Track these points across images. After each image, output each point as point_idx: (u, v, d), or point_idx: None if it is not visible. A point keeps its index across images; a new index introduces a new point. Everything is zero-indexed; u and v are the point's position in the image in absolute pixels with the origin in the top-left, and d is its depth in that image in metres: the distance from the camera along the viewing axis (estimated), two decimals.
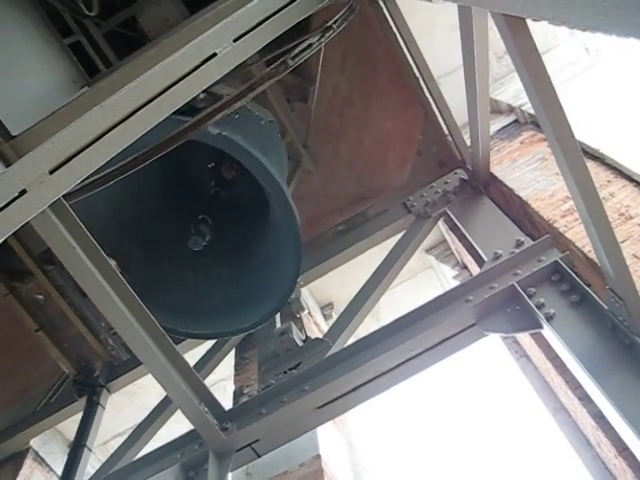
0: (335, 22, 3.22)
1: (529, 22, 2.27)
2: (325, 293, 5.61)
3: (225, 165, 4.06)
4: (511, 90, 4.73)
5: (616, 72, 4.54)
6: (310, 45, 3.03)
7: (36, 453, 5.06)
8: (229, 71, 2.26)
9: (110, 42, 4.62)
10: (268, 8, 2.28)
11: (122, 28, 4.76)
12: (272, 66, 2.87)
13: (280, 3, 2.30)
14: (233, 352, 4.64)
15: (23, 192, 1.82)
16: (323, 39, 3.13)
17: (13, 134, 2.69)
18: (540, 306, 2.87)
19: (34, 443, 5.06)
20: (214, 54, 2.16)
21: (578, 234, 3.13)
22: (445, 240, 5.33)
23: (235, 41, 2.20)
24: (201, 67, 2.14)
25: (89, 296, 2.97)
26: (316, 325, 5.04)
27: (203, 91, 2.95)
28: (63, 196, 2.74)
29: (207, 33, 2.16)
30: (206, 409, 3.28)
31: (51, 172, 1.86)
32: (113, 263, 3.02)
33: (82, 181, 2.27)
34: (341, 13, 3.31)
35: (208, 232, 3.57)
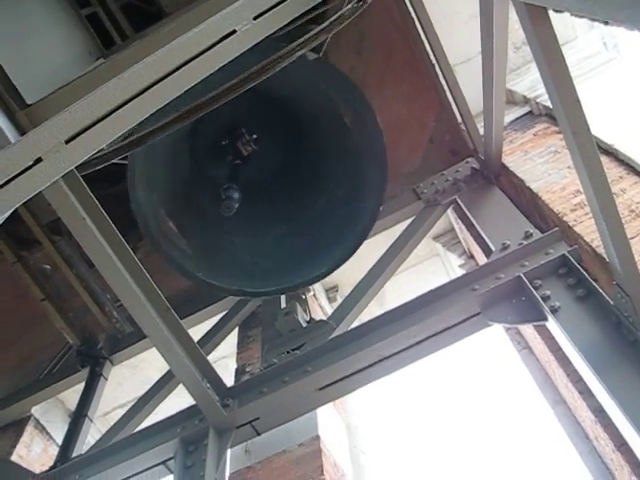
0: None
1: (550, 12, 2.27)
2: (331, 276, 5.59)
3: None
4: (527, 81, 4.70)
5: (634, 68, 4.51)
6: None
7: (37, 421, 5.11)
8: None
9: (127, 15, 4.61)
10: None
11: (139, 1, 4.75)
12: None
13: None
14: (237, 330, 4.66)
15: (38, 160, 1.82)
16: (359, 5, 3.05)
17: (28, 102, 2.70)
18: (546, 298, 2.87)
19: (35, 411, 5.10)
20: (233, 31, 2.15)
21: (587, 228, 3.13)
22: (453, 229, 5.32)
23: (255, 19, 2.18)
24: (220, 44, 2.12)
25: (97, 267, 2.99)
26: (320, 307, 5.05)
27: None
28: (76, 167, 2.79)
29: (227, 10, 2.15)
30: (208, 385, 3.30)
31: (67, 142, 1.85)
32: None
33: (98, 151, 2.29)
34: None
35: (237, 195, 3.54)
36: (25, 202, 1.88)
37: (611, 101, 3.95)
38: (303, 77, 3.48)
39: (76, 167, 2.74)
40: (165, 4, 4.56)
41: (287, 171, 4.15)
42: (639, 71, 4.42)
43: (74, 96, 2.02)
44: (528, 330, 3.68)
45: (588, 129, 2.34)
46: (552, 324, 2.81)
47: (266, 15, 2.22)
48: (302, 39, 2.75)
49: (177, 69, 2.04)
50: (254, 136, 3.92)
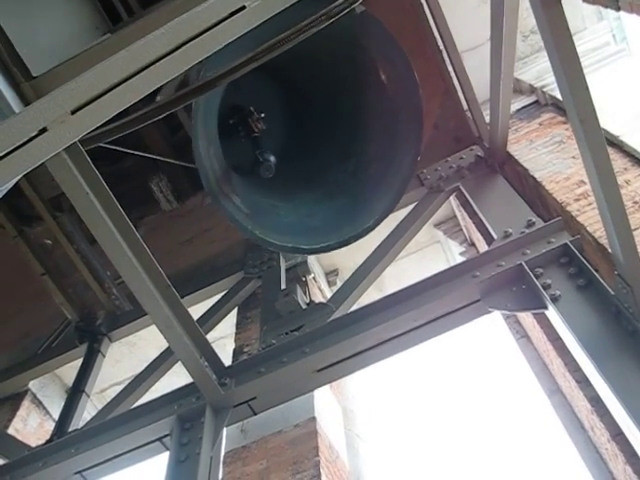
0: None
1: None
2: (331, 259, 5.61)
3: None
4: (534, 71, 4.69)
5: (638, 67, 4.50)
6: None
7: (34, 395, 5.12)
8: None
9: None
10: None
11: None
12: None
13: None
14: (236, 310, 4.67)
15: (43, 130, 1.81)
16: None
17: (34, 74, 2.69)
18: (546, 287, 2.87)
19: (33, 386, 5.12)
20: (243, 7, 2.13)
21: (590, 219, 3.13)
22: (455, 216, 5.32)
23: None
24: (229, 19, 2.11)
25: (99, 243, 2.98)
26: (320, 290, 5.05)
27: None
28: (80, 141, 2.78)
29: None
30: (206, 363, 3.31)
31: (73, 112, 1.84)
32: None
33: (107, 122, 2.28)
34: None
35: (273, 158, 3.59)
36: (27, 176, 1.88)
37: (618, 93, 3.94)
38: (344, 30, 3.50)
39: (80, 141, 2.76)
40: None
41: (317, 133, 4.19)
42: None
43: (80, 69, 1.99)
44: (527, 319, 3.68)
45: (596, 117, 2.33)
46: (552, 312, 2.82)
47: None
48: None
49: (185, 43, 2.03)
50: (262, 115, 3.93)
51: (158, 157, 4.83)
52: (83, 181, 2.80)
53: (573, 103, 2.34)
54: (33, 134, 1.80)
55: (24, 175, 1.88)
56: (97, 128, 2.05)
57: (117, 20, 4.14)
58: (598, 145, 2.38)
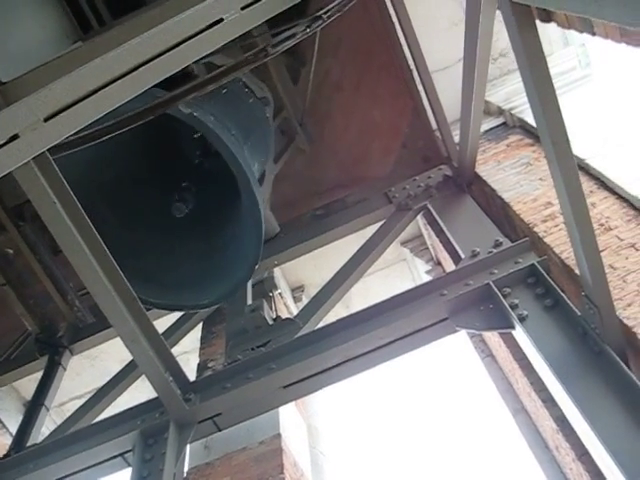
0: (326, 12, 3.20)
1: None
2: (297, 276, 5.60)
3: (202, 141, 4.01)
4: (502, 93, 4.75)
5: (606, 87, 4.59)
6: (294, 35, 3.00)
7: None
8: (233, 39, 2.25)
9: (106, 2, 4.54)
10: None
11: None
12: (249, 53, 2.84)
13: None
14: (200, 325, 4.62)
15: (15, 137, 1.78)
16: (309, 30, 3.08)
17: (3, 80, 2.64)
18: (514, 306, 2.90)
19: None
20: (220, 19, 2.13)
21: (557, 240, 3.17)
22: (421, 234, 5.35)
23: (243, 9, 2.17)
24: (206, 31, 2.10)
25: (64, 253, 2.92)
26: (286, 307, 5.03)
27: (202, 58, 2.94)
28: (48, 150, 2.73)
29: None
30: (171, 378, 3.26)
31: (46, 120, 1.81)
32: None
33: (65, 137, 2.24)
34: (334, 4, 3.28)
35: (191, 199, 3.53)
36: None
37: (584, 117, 4.01)
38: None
39: (48, 150, 2.71)
40: None
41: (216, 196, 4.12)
42: (610, 89, 4.51)
43: (51, 76, 1.96)
44: (492, 338, 3.71)
45: (568, 140, 2.37)
46: (519, 332, 2.83)
47: (254, 6, 2.20)
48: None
49: (162, 54, 2.02)
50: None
51: None
52: (50, 190, 2.74)
53: (545, 125, 2.37)
54: (3, 141, 1.77)
55: None
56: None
57: (88, 29, 4.10)
58: (569, 167, 2.41)
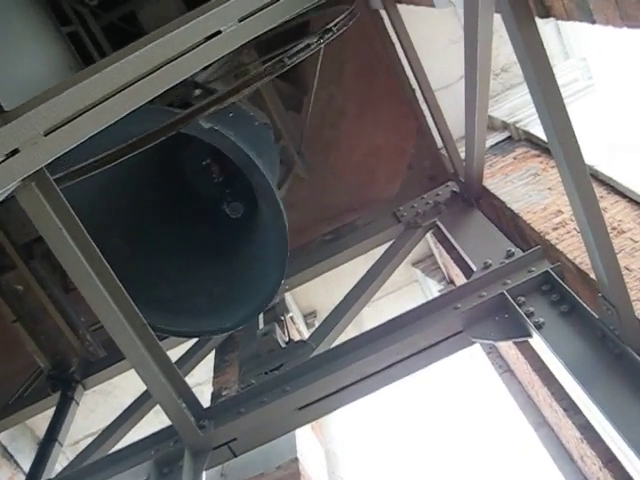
0: (335, 25, 3.23)
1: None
2: (309, 301, 5.56)
3: (216, 163, 4.03)
4: (505, 108, 4.74)
5: (609, 96, 4.58)
6: (308, 46, 3.03)
7: (4, 448, 4.95)
8: (228, 61, 2.25)
9: (107, 35, 4.60)
10: None
11: (120, 21, 4.75)
12: (268, 64, 2.86)
13: None
14: (213, 354, 4.57)
15: (15, 151, 1.77)
16: (322, 40, 3.13)
17: (6, 109, 2.65)
18: (529, 315, 2.84)
19: (3, 438, 4.94)
20: (218, 32, 2.13)
21: (569, 246, 3.12)
22: (432, 254, 5.32)
23: (241, 21, 2.17)
24: (204, 44, 2.11)
25: (71, 278, 2.90)
26: (298, 332, 4.98)
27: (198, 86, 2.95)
28: (55, 180, 2.72)
29: (213, 10, 2.14)
30: (184, 405, 3.21)
31: (46, 134, 1.81)
32: None
33: (70, 167, 2.24)
34: (342, 17, 3.32)
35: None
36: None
37: (589, 125, 3.99)
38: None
39: (56, 180, 2.71)
40: (146, 26, 4.58)
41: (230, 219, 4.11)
42: (614, 99, 4.50)
43: (50, 94, 1.97)
44: (510, 352, 3.64)
45: (576, 141, 2.34)
46: (537, 340, 2.78)
47: (251, 18, 2.21)
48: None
49: (160, 67, 2.02)
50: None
51: None
52: (55, 216, 2.72)
53: (554, 128, 2.35)
54: (4, 155, 1.76)
55: None
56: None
57: (90, 61, 4.14)
58: (579, 170, 2.39)
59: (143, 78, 1.98)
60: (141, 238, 3.91)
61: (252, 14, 2.20)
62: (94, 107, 1.90)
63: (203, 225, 4.10)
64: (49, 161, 1.86)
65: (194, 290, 3.91)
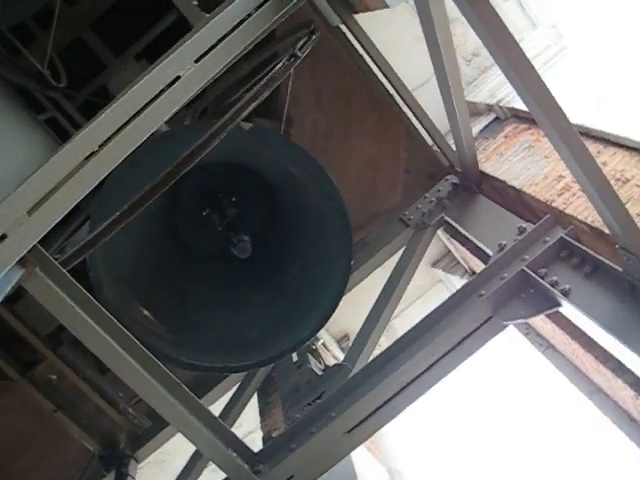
0: (300, 49, 3.25)
1: None
2: (339, 326, 5.52)
3: (216, 211, 3.98)
4: (486, 90, 4.73)
5: (584, 55, 4.56)
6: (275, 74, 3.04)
7: None
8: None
9: (85, 113, 4.65)
10: (224, 27, 2.28)
11: (95, 97, 4.80)
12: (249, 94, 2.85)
13: (236, 20, 2.29)
14: (257, 400, 4.53)
15: (3, 237, 1.77)
16: (289, 62, 3.13)
17: None
18: (554, 284, 2.80)
19: None
20: (178, 77, 2.15)
21: (578, 207, 3.08)
22: (449, 251, 5.27)
23: (197, 61, 2.19)
24: (167, 92, 2.12)
25: (99, 358, 2.89)
26: (335, 358, 4.94)
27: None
28: (61, 263, 2.71)
29: (169, 58, 2.16)
30: (234, 454, 3.16)
31: (30, 213, 1.81)
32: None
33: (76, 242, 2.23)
34: (303, 40, 3.34)
35: (247, 237, 3.52)
36: (22, 319, 1.82)
37: (571, 87, 3.97)
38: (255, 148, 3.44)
39: (61, 263, 2.70)
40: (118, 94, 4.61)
41: (263, 237, 4.05)
42: (588, 58, 4.47)
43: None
44: (546, 327, 3.58)
45: (558, 106, 2.34)
46: (567, 307, 2.73)
47: (207, 57, 2.22)
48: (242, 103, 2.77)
49: (128, 123, 2.03)
50: (233, 199, 3.91)
51: None
52: (65, 295, 2.72)
53: (532, 98, 2.35)
54: None
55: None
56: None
57: None
58: (568, 132, 2.38)
59: (113, 137, 1.99)
60: (177, 283, 3.84)
61: (206, 53, 2.21)
62: (72, 176, 1.90)
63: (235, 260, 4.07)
64: (39, 238, 1.86)
65: (247, 322, 3.83)
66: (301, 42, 3.29)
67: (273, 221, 4.03)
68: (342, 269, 3.63)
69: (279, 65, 3.06)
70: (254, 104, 2.70)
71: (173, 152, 2.46)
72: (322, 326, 3.68)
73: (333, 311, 3.67)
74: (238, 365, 3.68)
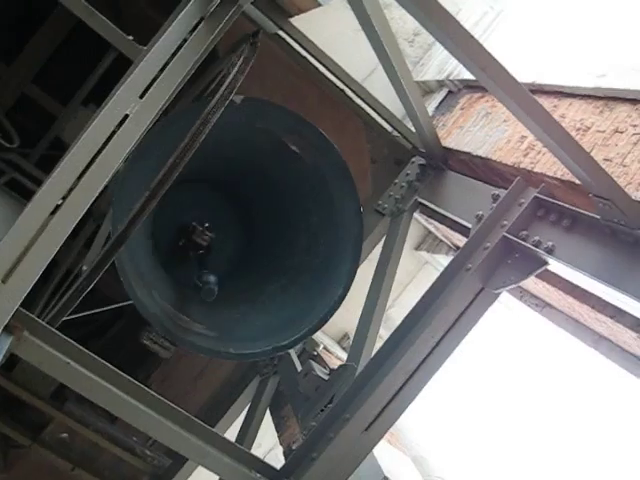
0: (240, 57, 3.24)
1: None
2: (336, 326, 5.50)
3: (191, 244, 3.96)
4: (433, 67, 4.75)
5: (523, 14, 4.58)
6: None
7: None
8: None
9: (45, 168, 4.62)
10: (163, 57, 2.26)
11: (51, 150, 4.77)
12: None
13: (172, 48, 2.28)
14: (270, 416, 4.52)
15: None
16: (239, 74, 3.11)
17: None
18: (537, 244, 2.81)
19: None
20: (126, 115, 2.13)
21: (546, 164, 3.10)
22: (430, 232, 5.27)
23: (141, 97, 2.17)
24: (118, 132, 2.11)
25: (103, 406, 2.87)
26: (339, 359, 4.93)
27: None
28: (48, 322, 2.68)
29: (113, 99, 2.14)
30: (258, 475, 3.14)
31: (4, 280, 1.79)
32: None
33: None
34: (241, 50, 3.33)
35: (214, 278, 3.51)
36: (23, 385, 1.79)
37: (517, 46, 4.00)
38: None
39: (49, 322, 2.67)
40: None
41: (267, 225, 4.20)
42: (527, 17, 4.51)
43: None
44: (538, 287, 3.60)
45: (503, 68, 2.36)
46: (554, 264, 2.75)
47: (150, 90, 2.20)
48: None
49: (86, 170, 2.01)
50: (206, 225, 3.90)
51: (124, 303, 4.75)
52: (58, 353, 2.69)
53: (471, 61, 2.35)
54: None
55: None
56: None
57: None
58: (517, 90, 2.40)
59: (73, 189, 1.97)
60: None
61: (149, 86, 2.20)
62: (40, 234, 1.88)
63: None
64: (19, 304, 1.84)
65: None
66: (242, 55, 3.28)
67: (274, 205, 4.11)
68: (355, 231, 3.77)
69: (227, 81, 3.05)
70: (208, 126, 2.70)
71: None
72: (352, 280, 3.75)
73: (339, 304, 3.73)
74: (288, 342, 3.68)
